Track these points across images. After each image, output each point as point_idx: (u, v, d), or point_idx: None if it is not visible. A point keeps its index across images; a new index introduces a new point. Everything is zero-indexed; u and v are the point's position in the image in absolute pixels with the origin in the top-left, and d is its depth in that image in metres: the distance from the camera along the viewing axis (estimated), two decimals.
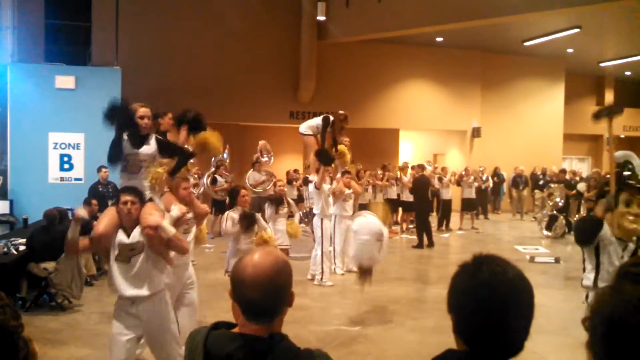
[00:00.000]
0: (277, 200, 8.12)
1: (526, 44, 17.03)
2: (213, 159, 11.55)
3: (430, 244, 11.84)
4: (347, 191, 9.12)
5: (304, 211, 11.55)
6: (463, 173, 15.06)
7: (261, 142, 12.22)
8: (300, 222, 8.92)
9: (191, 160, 5.16)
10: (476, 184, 15.29)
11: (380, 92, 17.80)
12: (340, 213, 8.99)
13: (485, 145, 18.59)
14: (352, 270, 8.39)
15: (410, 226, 13.94)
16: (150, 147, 4.09)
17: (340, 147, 8.65)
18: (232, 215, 5.97)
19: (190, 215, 4.74)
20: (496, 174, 18.24)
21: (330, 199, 8.77)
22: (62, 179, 10.65)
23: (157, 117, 5.22)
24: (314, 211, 8.89)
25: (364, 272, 6.35)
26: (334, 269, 8.91)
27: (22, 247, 7.15)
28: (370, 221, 6.35)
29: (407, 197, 13.25)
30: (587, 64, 19.90)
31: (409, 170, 14.30)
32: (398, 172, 14.26)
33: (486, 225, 15.89)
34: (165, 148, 4.25)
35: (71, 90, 10.70)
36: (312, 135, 8.56)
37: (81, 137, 10.56)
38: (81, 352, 5.49)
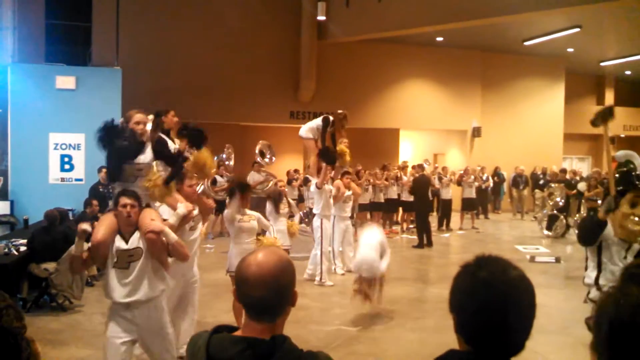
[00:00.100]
0: (276, 196, 8.03)
1: (526, 43, 17.03)
2: (215, 157, 11.52)
3: (429, 243, 11.84)
4: (347, 193, 9.12)
5: (304, 211, 11.54)
6: (462, 173, 15.07)
7: (261, 142, 12.18)
8: (300, 222, 8.91)
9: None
10: (476, 184, 15.29)
11: (380, 92, 17.80)
12: (339, 214, 9.01)
13: (485, 145, 18.59)
14: (352, 271, 8.39)
15: (411, 226, 13.95)
16: (146, 157, 4.03)
17: (340, 147, 8.66)
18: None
19: (196, 212, 4.74)
20: (496, 173, 18.23)
21: (331, 199, 8.78)
22: (62, 179, 10.64)
23: (159, 115, 5.20)
24: (314, 211, 8.89)
25: (361, 289, 6.49)
26: (334, 269, 8.93)
27: (22, 248, 7.14)
28: (374, 232, 6.66)
29: (407, 197, 13.26)
30: (587, 63, 19.91)
31: (409, 170, 14.31)
32: (399, 173, 14.26)
33: (486, 225, 15.89)
34: (161, 157, 4.18)
35: (72, 90, 10.68)
36: (312, 139, 8.57)
37: (82, 137, 10.53)
38: (82, 352, 5.49)
